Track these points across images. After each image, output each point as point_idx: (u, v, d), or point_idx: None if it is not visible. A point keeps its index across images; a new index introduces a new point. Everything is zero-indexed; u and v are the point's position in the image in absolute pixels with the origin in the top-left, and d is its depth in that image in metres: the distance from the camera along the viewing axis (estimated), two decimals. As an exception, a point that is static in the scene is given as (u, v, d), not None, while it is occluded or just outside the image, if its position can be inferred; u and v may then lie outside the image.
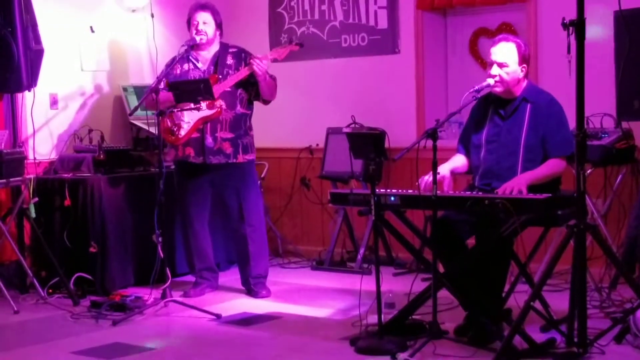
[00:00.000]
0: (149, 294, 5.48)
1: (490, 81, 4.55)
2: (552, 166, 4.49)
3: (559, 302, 4.78)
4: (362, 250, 6.58)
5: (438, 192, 4.28)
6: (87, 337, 4.93)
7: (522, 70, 4.57)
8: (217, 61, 5.77)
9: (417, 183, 4.47)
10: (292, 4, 7.37)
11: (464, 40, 6.87)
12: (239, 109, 5.72)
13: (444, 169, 4.64)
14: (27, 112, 6.07)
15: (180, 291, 5.85)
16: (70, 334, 5.01)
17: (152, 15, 6.88)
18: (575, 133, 3.78)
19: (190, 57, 5.80)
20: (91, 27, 6.61)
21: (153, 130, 5.65)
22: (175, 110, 5.64)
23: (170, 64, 5.78)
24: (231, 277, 6.33)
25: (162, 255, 5.44)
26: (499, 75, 4.54)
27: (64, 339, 4.91)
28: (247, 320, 5.24)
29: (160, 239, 5.43)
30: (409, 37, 6.77)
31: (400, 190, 4.57)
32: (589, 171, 5.36)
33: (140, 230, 6.07)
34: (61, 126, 6.44)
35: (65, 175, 6.08)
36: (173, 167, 6.29)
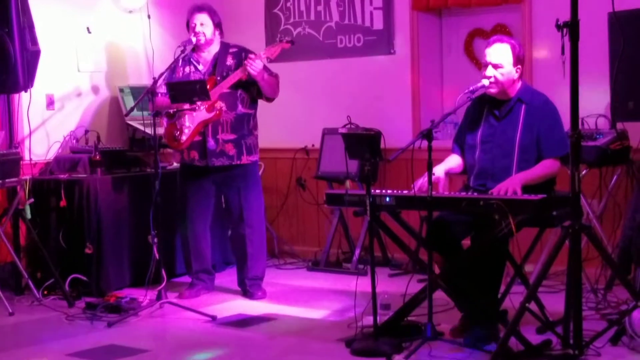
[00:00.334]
0: (144, 296, 5.47)
1: (485, 82, 4.55)
2: (546, 167, 4.49)
3: (555, 303, 4.78)
4: (357, 251, 6.58)
5: (433, 192, 4.28)
6: (82, 339, 4.92)
7: (516, 71, 4.57)
8: (217, 62, 5.77)
9: (412, 185, 4.48)
10: (288, 4, 7.37)
11: (459, 41, 6.87)
12: (241, 109, 5.72)
13: (439, 171, 4.64)
14: (23, 112, 6.05)
15: (176, 292, 5.84)
16: (65, 336, 5.01)
17: (149, 16, 6.87)
18: (570, 134, 3.78)
19: (191, 60, 5.81)
20: (88, 28, 6.60)
21: (149, 131, 5.65)
22: (172, 111, 5.63)
23: (173, 68, 5.77)
24: (227, 278, 6.33)
25: (157, 256, 5.44)
26: (494, 76, 4.54)
27: (58, 341, 4.90)
28: (243, 322, 5.23)
29: (155, 240, 5.43)
30: (405, 37, 6.78)
31: (395, 191, 4.57)
32: (584, 172, 5.37)
33: (136, 231, 6.07)
34: (57, 127, 6.43)
35: (61, 176, 6.08)
36: (169, 167, 6.32)
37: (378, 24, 6.91)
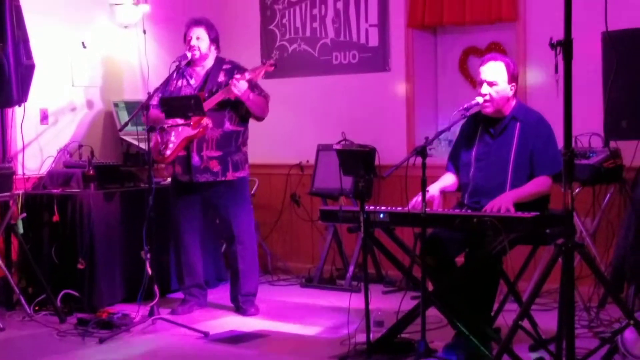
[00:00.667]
0: (136, 312, 5.45)
1: (479, 99, 4.57)
2: (538, 184, 4.50)
3: (548, 321, 4.78)
4: (351, 268, 6.57)
5: (427, 209, 4.28)
6: (74, 355, 4.91)
7: (511, 89, 4.59)
8: (207, 78, 5.77)
9: (408, 205, 4.47)
10: (284, 21, 7.40)
11: (453, 59, 6.90)
12: (228, 126, 5.71)
13: (434, 189, 4.64)
14: (16, 127, 6.05)
15: (169, 308, 5.82)
16: (56, 352, 4.98)
17: (144, 32, 6.90)
18: (563, 152, 3.78)
19: (185, 74, 5.81)
20: (83, 43, 6.61)
21: (143, 146, 5.64)
22: (166, 126, 5.63)
23: (166, 81, 5.78)
24: (220, 294, 6.31)
25: (150, 272, 5.42)
26: (489, 94, 4.56)
27: (49, 357, 4.89)
28: (235, 339, 5.21)
29: (148, 256, 5.41)
30: (400, 55, 6.80)
31: (389, 208, 4.57)
32: (577, 190, 5.38)
33: (129, 247, 6.05)
34: (51, 141, 6.42)
35: (54, 190, 6.06)
36: (163, 183, 6.31)
37: (373, 41, 6.93)
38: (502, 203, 4.28)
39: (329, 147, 6.47)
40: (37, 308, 5.79)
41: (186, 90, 5.75)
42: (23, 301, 5.75)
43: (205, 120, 5.60)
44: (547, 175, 4.48)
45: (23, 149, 6.14)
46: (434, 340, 4.68)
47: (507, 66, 4.58)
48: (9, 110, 6.05)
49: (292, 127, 7.29)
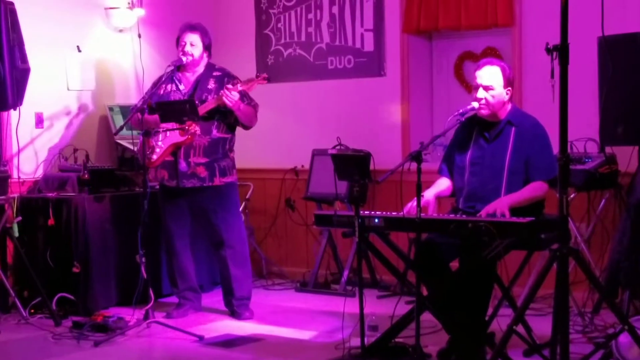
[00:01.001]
0: (131, 315, 5.44)
1: (475, 104, 4.57)
2: (534, 189, 4.50)
3: (542, 326, 4.78)
4: (346, 272, 6.57)
5: (422, 214, 4.28)
6: (69, 358, 4.91)
7: (507, 93, 4.59)
8: (197, 85, 5.76)
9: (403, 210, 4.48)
10: (279, 25, 7.40)
11: (449, 64, 6.91)
12: (216, 133, 5.70)
13: (429, 194, 4.65)
14: (12, 130, 6.05)
15: (164, 312, 5.82)
16: (51, 355, 4.98)
17: (139, 36, 6.89)
18: (559, 157, 3.79)
19: (174, 78, 5.81)
20: (78, 47, 6.60)
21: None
22: (161, 130, 5.63)
23: (156, 84, 5.79)
24: (214, 298, 6.30)
25: (145, 275, 5.42)
26: (485, 98, 4.56)
27: (45, 360, 4.89)
28: (230, 342, 5.21)
29: (143, 259, 5.41)
30: (395, 60, 6.80)
31: (384, 213, 4.57)
32: (572, 195, 5.39)
33: (124, 251, 6.04)
34: (46, 145, 6.42)
35: (50, 194, 6.05)
36: (157, 187, 6.30)
37: (369, 46, 6.93)
38: (498, 207, 4.28)
39: (324, 152, 6.47)
40: (32, 311, 5.79)
41: (175, 95, 5.74)
42: (18, 304, 5.74)
43: (194, 127, 5.59)
44: (543, 180, 4.48)
45: (18, 152, 6.13)
46: (428, 344, 4.68)
47: (503, 71, 4.58)
48: (4, 114, 6.05)
49: (287, 132, 7.29)
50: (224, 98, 5.49)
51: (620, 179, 5.39)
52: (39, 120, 6.39)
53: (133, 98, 6.87)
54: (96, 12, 6.79)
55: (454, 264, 4.68)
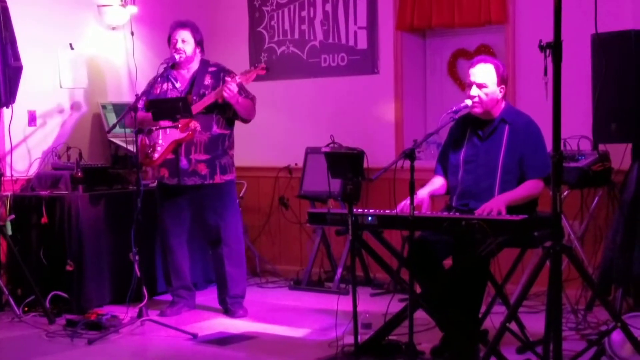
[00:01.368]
0: (125, 313, 5.44)
1: (468, 102, 4.57)
2: (530, 187, 4.51)
3: (536, 323, 4.79)
4: (339, 270, 6.57)
5: (415, 212, 4.28)
6: (62, 356, 4.90)
7: (500, 91, 4.60)
8: (194, 81, 5.76)
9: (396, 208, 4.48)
10: (272, 23, 7.39)
11: (442, 62, 6.91)
12: (216, 129, 5.70)
13: (423, 193, 4.65)
14: (4, 128, 6.04)
15: (158, 310, 5.82)
16: (45, 353, 4.97)
17: (132, 33, 6.88)
18: (552, 155, 3.79)
19: (169, 77, 5.80)
20: (70, 45, 6.59)
21: (131, 148, 5.64)
22: (154, 129, 5.62)
23: (152, 83, 5.77)
24: (208, 296, 6.29)
25: (138, 273, 5.42)
26: (478, 96, 4.56)
27: (38, 358, 4.88)
28: (224, 340, 5.21)
29: (137, 258, 5.41)
30: (388, 57, 6.80)
31: (377, 210, 4.57)
32: (565, 193, 5.39)
33: (117, 249, 6.03)
34: (39, 143, 6.41)
35: (43, 192, 6.04)
36: (151, 185, 6.30)
37: (362, 44, 6.93)
38: (495, 206, 4.28)
39: (318, 150, 6.47)
40: (26, 309, 5.78)
41: (172, 93, 5.73)
42: (12, 302, 5.74)
43: (194, 124, 5.59)
44: (538, 178, 4.49)
45: (11, 150, 6.12)
46: (422, 342, 4.68)
47: (497, 68, 4.58)
48: (-3, 112, 6.04)
49: (281, 130, 7.28)
50: (224, 93, 5.48)
51: (613, 176, 5.40)
52: (32, 118, 6.38)
53: (126, 96, 6.87)
54: (89, 10, 6.78)
55: (447, 262, 4.68)
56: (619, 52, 5.03)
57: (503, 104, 4.64)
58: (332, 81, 7.08)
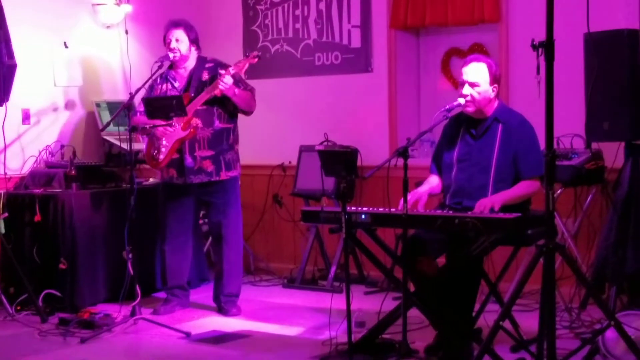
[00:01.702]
0: (118, 312, 5.43)
1: (461, 100, 4.58)
2: (526, 187, 4.51)
3: (529, 322, 4.79)
4: (333, 269, 6.57)
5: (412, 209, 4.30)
6: (55, 355, 4.89)
7: (493, 90, 4.60)
8: (191, 78, 5.75)
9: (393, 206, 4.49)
10: (266, 22, 7.39)
11: (436, 60, 6.91)
12: (218, 124, 5.70)
13: (422, 189, 4.67)
14: (-2, 127, 6.04)
15: (152, 308, 5.81)
16: (37, 352, 4.96)
17: (127, 32, 6.88)
18: (545, 153, 3.80)
19: (168, 77, 5.81)
20: (65, 43, 6.58)
21: (125, 146, 5.63)
22: (147, 127, 5.61)
23: (151, 85, 5.77)
24: (202, 294, 6.30)
25: (131, 272, 5.41)
26: (471, 94, 4.57)
27: (31, 357, 4.87)
28: (217, 339, 5.21)
29: (130, 256, 5.40)
30: (382, 56, 6.80)
31: (371, 208, 4.58)
32: (559, 191, 5.40)
33: (111, 247, 6.03)
34: (33, 141, 6.40)
35: (36, 190, 6.03)
36: (145, 183, 6.30)
37: (356, 42, 6.93)
38: (489, 203, 4.29)
39: (312, 148, 6.47)
40: (18, 308, 5.76)
41: (172, 93, 5.72)
42: (5, 301, 5.72)
43: (195, 121, 5.59)
44: (533, 177, 4.49)
45: (5, 148, 6.11)
46: (416, 340, 4.69)
47: (489, 67, 4.58)
48: (-9, 110, 6.02)
49: (275, 128, 7.28)
50: (219, 85, 5.48)
51: (606, 174, 5.41)
52: (26, 117, 6.37)
53: (120, 94, 6.86)
54: (83, 8, 6.77)
55: (441, 260, 4.68)
56: (611, 51, 5.04)
57: (496, 103, 4.65)
58: (326, 79, 7.08)
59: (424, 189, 4.70)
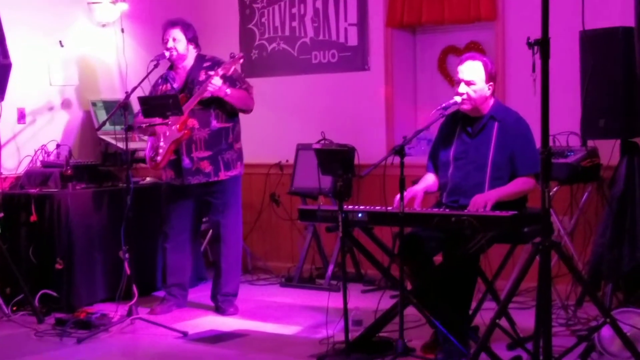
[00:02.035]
0: (115, 311, 5.43)
1: (457, 99, 4.58)
2: (522, 184, 4.51)
3: (526, 319, 4.78)
4: (331, 267, 6.57)
5: (408, 207, 4.29)
6: (51, 356, 4.89)
7: (489, 88, 4.60)
8: (188, 78, 5.74)
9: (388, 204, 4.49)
10: (263, 20, 7.38)
11: (432, 58, 6.90)
12: (215, 124, 5.68)
13: (418, 188, 4.67)
14: (-7, 126, 6.03)
15: (149, 308, 5.80)
16: (34, 352, 4.96)
17: (122, 30, 6.87)
18: (541, 151, 3.80)
19: (168, 78, 5.81)
20: (60, 42, 6.57)
21: (121, 145, 5.63)
22: (144, 126, 5.61)
23: (153, 86, 5.77)
24: (200, 294, 6.29)
25: (128, 271, 5.41)
26: (467, 93, 4.57)
27: (27, 357, 4.86)
28: (214, 338, 5.20)
29: (127, 255, 5.40)
30: (379, 54, 6.80)
31: (368, 207, 4.57)
32: (555, 189, 5.40)
33: (108, 247, 6.01)
34: (28, 141, 6.39)
35: (32, 190, 6.02)
36: (142, 182, 6.30)
37: (352, 41, 6.93)
38: (485, 199, 4.29)
39: (309, 147, 6.45)
40: (14, 308, 5.75)
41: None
42: (0, 301, 5.71)
43: (191, 122, 5.59)
44: (530, 174, 4.49)
45: (0, 148, 6.10)
46: (412, 339, 4.68)
47: (485, 65, 4.59)
48: (-14, 110, 6.01)
49: (272, 127, 7.28)
50: (209, 88, 5.48)
51: (602, 172, 5.41)
52: (21, 116, 6.36)
53: (116, 93, 6.85)
54: (79, 7, 6.76)
55: (438, 258, 4.68)
56: (606, 49, 5.05)
57: (492, 101, 4.65)
58: (323, 78, 7.08)
59: (420, 186, 4.70)
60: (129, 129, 5.49)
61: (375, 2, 6.78)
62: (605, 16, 5.39)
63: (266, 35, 7.38)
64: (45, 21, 6.49)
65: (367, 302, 5.50)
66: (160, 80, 5.81)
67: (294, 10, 7.22)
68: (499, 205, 4.33)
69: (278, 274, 7.07)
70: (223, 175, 5.72)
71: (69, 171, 6.00)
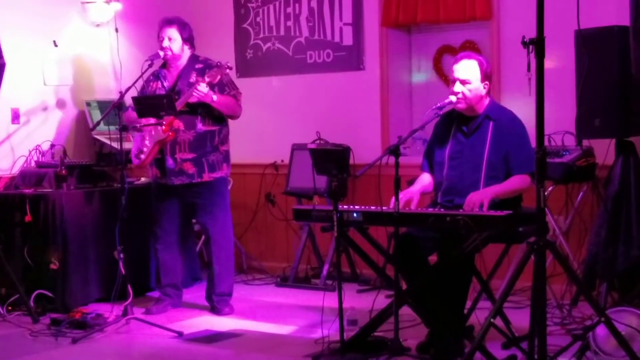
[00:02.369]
0: (110, 311, 5.42)
1: (453, 98, 4.57)
2: (517, 182, 4.50)
3: (521, 319, 4.77)
4: (326, 267, 6.57)
5: (405, 208, 4.29)
6: (47, 356, 4.88)
7: (484, 87, 4.60)
8: (179, 79, 5.73)
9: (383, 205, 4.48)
10: (258, 19, 7.38)
11: (428, 58, 6.91)
12: (201, 127, 5.67)
13: (414, 189, 4.66)
14: (-13, 126, 6.03)
15: (144, 308, 5.79)
16: (29, 352, 4.95)
17: (117, 30, 6.86)
18: (536, 150, 3.80)
19: (160, 76, 5.80)
20: (54, 42, 6.56)
21: (116, 145, 5.62)
22: (138, 126, 5.60)
23: (145, 82, 5.76)
24: (195, 294, 6.28)
25: (123, 271, 5.40)
26: (462, 92, 4.56)
27: (22, 357, 4.85)
28: (210, 338, 5.20)
29: (121, 255, 5.39)
30: (374, 53, 6.80)
31: (363, 207, 4.57)
32: (550, 188, 5.41)
33: (103, 247, 6.00)
34: (23, 141, 6.38)
35: (27, 190, 6.01)
36: (136, 182, 6.29)
37: (348, 40, 6.93)
38: (480, 197, 4.29)
39: (304, 147, 6.44)
40: (9, 308, 5.75)
41: (161, 92, 5.71)
42: (-5, 302, 5.72)
43: (177, 123, 5.58)
44: (525, 173, 4.49)
45: (-6, 148, 6.11)
46: (408, 338, 4.68)
47: (480, 65, 4.58)
48: (-20, 110, 6.01)
49: (267, 127, 7.27)
50: (195, 94, 5.47)
51: (597, 171, 5.41)
52: (15, 116, 6.36)
53: (111, 93, 6.84)
54: (73, 7, 6.76)
55: (433, 258, 4.68)
56: (602, 48, 5.04)
57: (487, 100, 4.65)
58: (318, 77, 7.07)
59: (416, 188, 4.69)
60: (123, 129, 5.48)
61: (370, 1, 6.78)
62: (601, 15, 5.39)
63: (261, 35, 7.38)
64: (39, 21, 6.49)
65: (362, 302, 5.49)
66: (152, 77, 5.80)
67: (289, 9, 7.21)
68: (494, 204, 4.32)
69: (273, 274, 7.07)
70: (207, 176, 5.70)
71: (64, 171, 5.99)
